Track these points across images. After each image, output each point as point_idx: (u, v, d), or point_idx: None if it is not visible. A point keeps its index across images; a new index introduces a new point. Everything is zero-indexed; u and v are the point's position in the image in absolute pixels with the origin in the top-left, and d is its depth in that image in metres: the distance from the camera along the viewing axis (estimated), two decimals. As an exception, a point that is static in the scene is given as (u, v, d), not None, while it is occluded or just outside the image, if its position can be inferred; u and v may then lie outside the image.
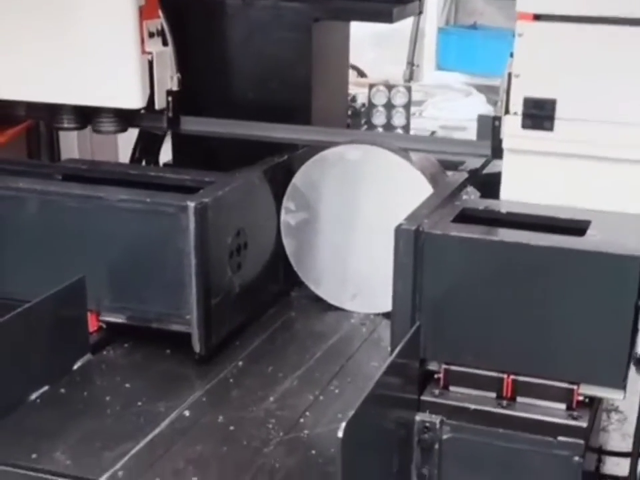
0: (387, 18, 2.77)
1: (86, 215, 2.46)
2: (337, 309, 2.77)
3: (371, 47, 7.12)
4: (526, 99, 2.27)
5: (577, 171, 2.28)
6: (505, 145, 2.35)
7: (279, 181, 2.73)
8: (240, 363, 2.46)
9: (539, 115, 2.26)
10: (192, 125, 2.88)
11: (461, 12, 8.33)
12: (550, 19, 2.24)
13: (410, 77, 6.54)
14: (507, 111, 2.32)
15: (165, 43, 2.76)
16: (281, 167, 2.74)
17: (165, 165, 3.25)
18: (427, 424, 2.11)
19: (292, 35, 2.86)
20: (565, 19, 2.22)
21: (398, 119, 3.97)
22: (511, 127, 2.31)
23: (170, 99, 2.79)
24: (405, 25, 5.23)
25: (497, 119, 2.41)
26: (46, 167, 2.87)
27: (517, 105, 2.29)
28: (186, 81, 2.81)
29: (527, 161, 2.32)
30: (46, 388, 2.27)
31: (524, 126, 2.29)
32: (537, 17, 2.25)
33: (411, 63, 6.56)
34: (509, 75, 2.31)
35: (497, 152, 2.42)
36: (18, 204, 2.50)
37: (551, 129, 2.27)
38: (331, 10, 2.90)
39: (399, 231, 2.11)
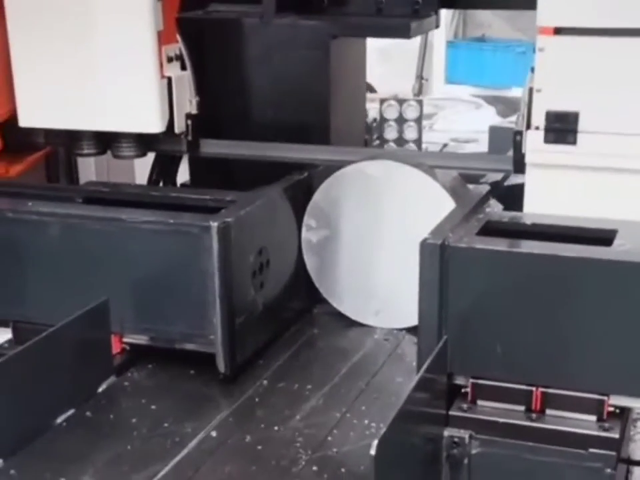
0: (405, 33, 2.78)
1: (108, 237, 2.46)
2: (359, 324, 2.76)
3: (378, 62, 7.14)
4: (548, 113, 2.27)
5: (600, 184, 2.28)
6: (527, 160, 2.35)
7: (300, 199, 2.73)
8: (265, 382, 2.45)
9: (562, 128, 2.26)
10: (211, 147, 2.89)
11: (469, 25, 8.36)
12: (570, 33, 2.24)
13: (419, 91, 6.54)
14: (528, 126, 2.32)
15: (183, 67, 2.78)
16: (301, 184, 2.75)
17: (182, 185, 3.26)
18: (456, 439, 2.10)
19: (310, 53, 2.87)
20: (586, 32, 2.22)
21: (410, 133, 3.99)
22: (534, 141, 2.31)
23: (189, 122, 2.80)
24: (412, 39, 5.25)
25: (518, 133, 2.41)
26: (66, 190, 2.88)
27: (539, 120, 2.29)
28: (205, 101, 2.82)
29: (550, 175, 2.32)
30: (72, 411, 2.26)
31: (547, 140, 2.29)
32: (558, 31, 2.25)
33: (420, 77, 6.56)
34: (530, 89, 2.31)
35: (519, 166, 2.42)
36: (40, 228, 2.51)
37: (574, 142, 2.26)
38: (349, 27, 2.92)
39: (424, 245, 2.11)
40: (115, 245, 2.46)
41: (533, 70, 2.32)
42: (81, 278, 2.49)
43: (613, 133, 2.25)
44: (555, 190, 2.33)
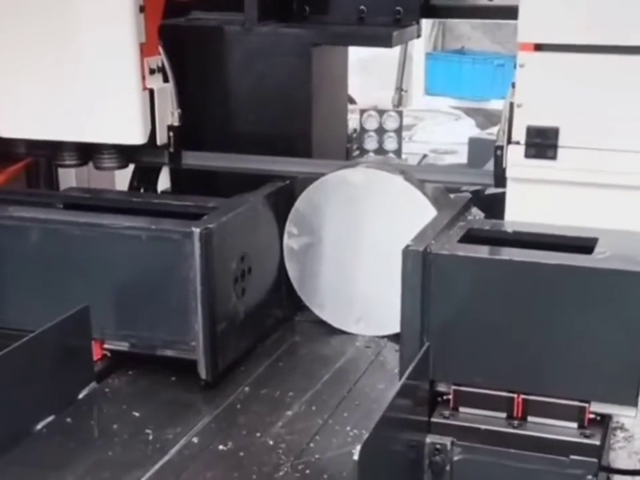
0: (386, 42, 2.79)
1: (90, 242, 2.46)
2: (340, 332, 2.76)
3: (358, 73, 7.17)
4: (529, 128, 2.30)
5: (581, 199, 2.30)
6: (508, 174, 2.37)
7: (282, 206, 2.73)
8: (246, 389, 2.44)
9: (542, 143, 2.29)
10: (193, 159, 2.89)
11: (448, 37, 8.41)
12: (551, 49, 2.27)
13: (399, 102, 6.56)
14: (509, 140, 2.35)
15: (165, 79, 2.79)
16: (283, 191, 2.75)
17: (163, 192, 3.25)
18: (438, 446, 2.11)
19: (292, 60, 2.87)
20: (566, 49, 2.25)
21: (390, 144, 4.00)
22: (514, 156, 2.34)
23: (171, 134, 2.81)
24: (390, 51, 5.29)
25: (499, 148, 2.43)
26: (47, 195, 2.86)
27: (519, 134, 2.32)
28: (186, 108, 2.82)
29: (531, 190, 2.34)
30: (52, 418, 2.25)
31: (527, 155, 2.31)
32: (538, 47, 2.28)
33: (399, 88, 6.58)
34: (511, 104, 2.33)
35: (500, 180, 2.44)
36: (21, 233, 2.50)
37: (554, 157, 2.29)
38: (330, 35, 2.93)
39: (406, 252, 2.11)
40: (96, 251, 2.45)
41: (513, 85, 2.35)
42: (61, 284, 2.49)
43: (593, 148, 2.27)
44: (535, 204, 2.35)
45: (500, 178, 2.44)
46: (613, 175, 2.26)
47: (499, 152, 2.44)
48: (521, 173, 2.34)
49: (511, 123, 2.35)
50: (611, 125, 2.25)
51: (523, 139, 2.32)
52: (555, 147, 2.29)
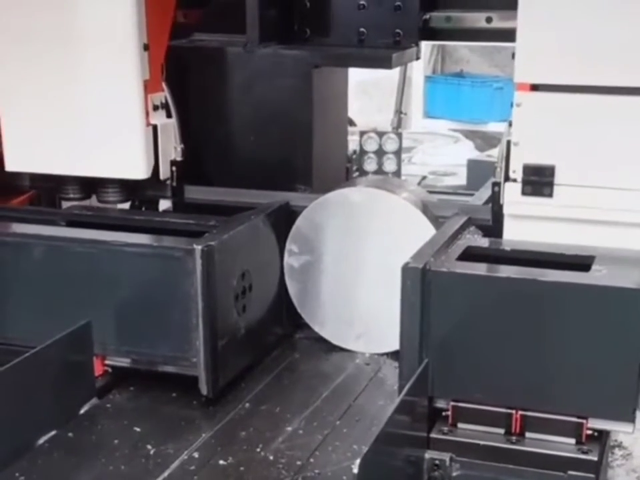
0: (386, 63, 2.82)
1: (92, 259, 2.48)
2: (340, 349, 2.78)
3: (358, 96, 7.24)
4: (525, 166, 2.34)
5: (577, 236, 2.33)
6: (505, 211, 2.41)
7: (282, 224, 2.76)
8: (247, 405, 2.46)
9: (539, 181, 2.33)
10: (195, 194, 2.95)
11: (447, 60, 8.47)
12: (547, 89, 2.31)
13: (398, 125, 6.59)
14: (506, 178, 2.38)
15: (169, 115, 2.84)
16: (284, 209, 2.78)
17: (165, 211, 3.28)
18: (437, 461, 2.13)
19: (292, 82, 2.91)
20: (562, 89, 2.29)
21: (389, 165, 4.02)
22: (511, 193, 2.38)
23: (174, 169, 2.87)
24: (389, 74, 5.34)
25: (496, 185, 2.47)
26: (50, 213, 2.89)
27: (516, 172, 2.36)
28: (188, 128, 2.86)
29: (528, 226, 2.38)
30: (54, 432, 2.26)
31: (524, 193, 2.35)
32: (534, 87, 2.32)
33: (399, 111, 6.61)
34: (508, 142, 2.37)
35: (498, 217, 2.47)
36: (24, 250, 2.52)
37: (550, 195, 2.33)
38: (331, 56, 2.96)
39: (406, 269, 2.14)
40: (98, 268, 2.48)
41: (510, 124, 2.38)
42: (64, 300, 2.50)
43: (588, 186, 2.31)
44: (532, 240, 2.37)
45: (497, 214, 2.48)
46: (608, 212, 2.31)
47: (496, 189, 2.48)
48: (518, 210, 2.39)
49: (507, 160, 2.39)
50: (605, 163, 2.30)
51: (519, 177, 2.36)
52: (551, 184, 2.33)
